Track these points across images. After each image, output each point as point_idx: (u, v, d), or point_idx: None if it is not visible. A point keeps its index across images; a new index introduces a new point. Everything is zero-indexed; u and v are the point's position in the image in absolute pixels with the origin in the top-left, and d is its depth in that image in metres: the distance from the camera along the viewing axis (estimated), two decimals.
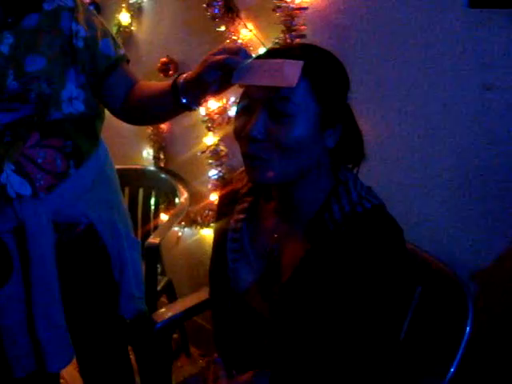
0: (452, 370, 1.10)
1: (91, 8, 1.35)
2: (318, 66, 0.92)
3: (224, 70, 0.99)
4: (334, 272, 0.94)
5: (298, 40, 1.59)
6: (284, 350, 1.00)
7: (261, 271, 1.06)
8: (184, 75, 1.14)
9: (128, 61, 1.37)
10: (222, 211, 1.16)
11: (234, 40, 1.72)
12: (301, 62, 0.89)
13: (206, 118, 1.96)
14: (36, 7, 1.21)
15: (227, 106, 1.91)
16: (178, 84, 1.15)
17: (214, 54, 1.01)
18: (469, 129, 1.37)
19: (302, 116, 0.91)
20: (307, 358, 0.97)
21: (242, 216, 1.09)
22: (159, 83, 1.31)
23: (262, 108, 0.92)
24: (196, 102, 1.16)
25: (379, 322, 0.93)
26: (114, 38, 1.34)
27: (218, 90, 1.07)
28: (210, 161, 2.02)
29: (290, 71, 0.89)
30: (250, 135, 0.92)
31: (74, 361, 1.53)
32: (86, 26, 1.25)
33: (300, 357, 0.98)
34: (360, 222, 0.95)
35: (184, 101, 1.15)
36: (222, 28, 1.76)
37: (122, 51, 1.34)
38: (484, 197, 1.38)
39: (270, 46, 1.67)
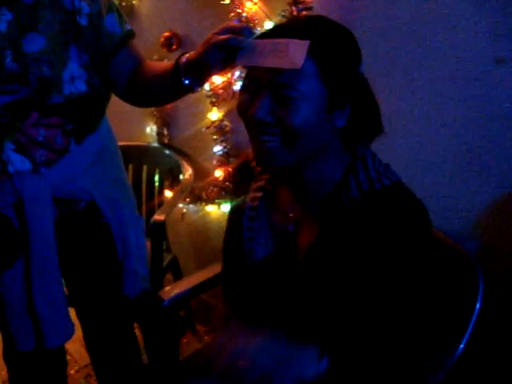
0: (461, 346, 1.09)
1: None
2: (326, 44, 0.88)
3: (227, 50, 0.96)
4: (352, 249, 0.92)
5: (304, 12, 1.55)
6: (297, 326, 0.99)
7: (276, 249, 1.05)
8: (186, 55, 1.10)
9: (134, 36, 1.31)
10: (238, 188, 1.16)
11: (239, 13, 1.69)
12: (306, 42, 0.85)
13: (211, 93, 1.93)
14: None
15: (232, 80, 1.87)
16: (180, 65, 1.11)
17: (217, 34, 0.98)
18: (479, 101, 1.35)
19: (308, 97, 0.87)
20: (323, 335, 0.96)
21: (258, 194, 1.08)
22: (162, 63, 1.28)
23: (267, 89, 0.89)
24: (199, 82, 1.13)
25: (399, 300, 0.91)
26: (119, 12, 1.27)
27: (222, 70, 1.04)
28: (215, 136, 2.00)
29: (296, 51, 0.85)
30: (256, 118, 0.89)
31: (81, 337, 1.54)
32: (89, 1, 1.19)
33: (315, 334, 0.97)
34: (379, 200, 0.92)
35: (186, 82, 1.12)
36: (227, 1, 1.72)
37: (128, 26, 1.28)
38: (494, 173, 1.37)
39: (275, 19, 1.64)
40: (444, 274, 1.19)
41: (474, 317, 1.12)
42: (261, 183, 1.09)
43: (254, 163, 1.10)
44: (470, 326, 1.11)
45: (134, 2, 2.17)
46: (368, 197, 0.93)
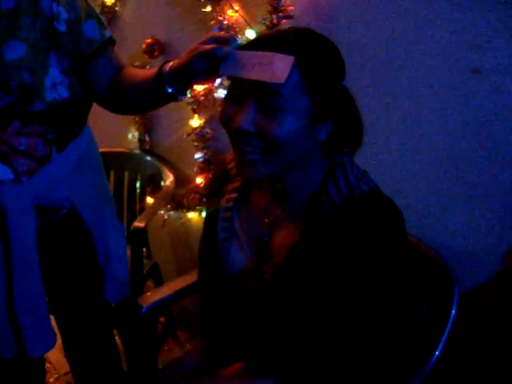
0: (437, 352, 1.11)
1: None
2: (311, 58, 0.89)
3: (212, 59, 0.96)
4: (331, 255, 0.93)
5: (284, 21, 1.57)
6: (274, 334, 1.00)
7: (252, 253, 1.05)
8: (170, 63, 1.09)
9: (114, 43, 1.30)
10: (214, 191, 1.15)
11: (220, 21, 1.69)
12: (291, 58, 0.86)
13: (192, 100, 1.93)
14: None
15: (213, 88, 1.88)
16: (164, 73, 1.10)
17: (203, 43, 0.97)
18: (456, 111, 1.37)
19: (292, 110, 0.88)
20: (300, 339, 0.96)
21: (233, 195, 1.09)
22: (144, 71, 1.26)
23: (252, 100, 0.90)
24: (182, 91, 1.12)
25: (373, 303, 0.92)
26: (99, 19, 1.26)
27: (205, 79, 1.03)
28: (196, 143, 2.00)
29: (280, 66, 0.85)
30: (239, 128, 0.90)
31: (61, 345, 1.53)
32: (67, 7, 1.18)
33: (293, 339, 0.97)
34: (359, 204, 0.93)
35: (170, 90, 1.11)
36: (208, 8, 1.73)
37: (107, 33, 1.27)
38: (470, 180, 1.39)
39: (256, 26, 1.65)
40: (419, 280, 1.21)
41: (450, 323, 1.13)
42: (236, 184, 1.09)
43: (230, 165, 1.11)
44: (446, 333, 1.13)
45: (116, 8, 2.17)
46: (347, 202, 0.94)
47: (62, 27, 1.18)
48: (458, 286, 1.16)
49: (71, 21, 1.19)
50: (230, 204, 1.08)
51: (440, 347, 1.11)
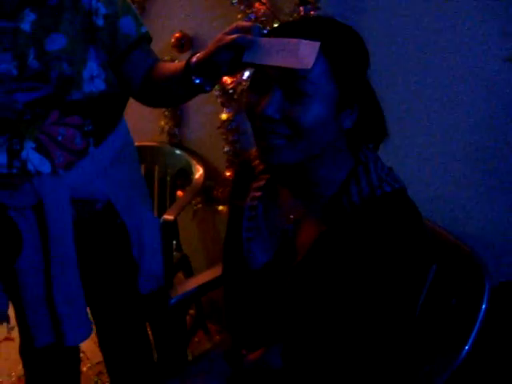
0: (467, 347, 1.09)
1: None
2: (337, 44, 0.88)
3: (236, 49, 0.95)
4: (349, 254, 0.92)
5: (312, 12, 1.56)
6: (297, 327, 1.00)
7: (275, 251, 1.05)
8: (197, 55, 1.10)
9: (150, 39, 1.32)
10: (238, 188, 1.14)
11: (247, 13, 1.69)
12: (317, 43, 0.85)
13: (220, 93, 1.93)
14: None
15: (242, 80, 1.88)
16: (191, 64, 1.11)
17: (227, 33, 0.97)
18: (487, 101, 1.34)
19: (319, 96, 0.87)
20: (321, 335, 0.97)
21: (258, 194, 1.08)
22: (174, 64, 1.27)
23: (277, 86, 0.89)
24: (210, 82, 1.12)
25: (392, 303, 0.92)
26: (136, 15, 1.29)
27: (232, 70, 1.03)
28: (225, 136, 2.01)
29: (306, 52, 0.84)
30: (264, 114, 0.88)
31: (94, 335, 1.56)
32: (106, 3, 1.22)
33: (313, 334, 0.98)
34: (378, 206, 0.92)
35: (197, 81, 1.11)
36: (235, 1, 1.72)
37: (143, 29, 1.29)
38: (502, 172, 1.36)
39: (284, 19, 1.64)
40: (448, 273, 1.19)
41: (480, 318, 1.11)
42: (261, 183, 1.08)
43: (255, 162, 1.10)
44: (476, 328, 1.11)
45: (144, 4, 2.19)
46: (368, 203, 0.93)
47: (100, 22, 1.22)
48: (489, 279, 1.13)
49: (109, 16, 1.23)
50: (255, 203, 1.07)
51: (469, 343, 1.09)
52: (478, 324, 1.10)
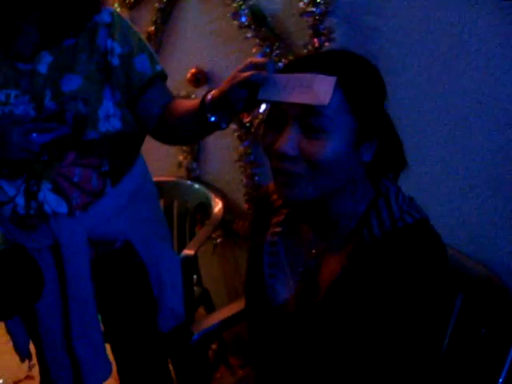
0: (500, 380, 1.05)
1: (128, 22, 1.30)
2: (353, 77, 0.87)
3: (251, 86, 0.94)
4: (372, 289, 0.90)
5: (327, 44, 1.57)
6: (320, 364, 0.97)
7: (298, 286, 1.02)
8: (212, 92, 1.09)
9: (165, 77, 1.33)
10: (258, 223, 1.12)
11: (262, 46, 1.71)
12: (333, 78, 0.84)
13: (237, 126, 1.95)
14: (79, 29, 1.22)
15: (258, 113, 1.90)
16: (206, 102, 1.10)
17: (241, 71, 0.97)
18: (506, 126, 1.32)
19: (337, 131, 0.86)
20: (345, 373, 0.94)
21: (278, 229, 1.05)
22: (190, 101, 1.26)
23: (294, 122, 0.87)
24: (225, 120, 1.11)
25: (418, 341, 0.89)
26: (151, 53, 1.30)
27: (248, 107, 1.02)
28: (244, 169, 2.01)
29: (322, 88, 0.83)
30: (281, 151, 0.87)
31: (115, 373, 1.55)
32: (121, 43, 1.24)
33: (337, 372, 0.95)
34: (400, 239, 0.90)
35: (212, 119, 1.10)
36: (249, 35, 1.75)
37: (159, 67, 1.30)
38: None
39: (298, 51, 1.66)
40: (475, 302, 1.16)
41: None
42: (280, 218, 1.06)
43: (274, 197, 1.09)
44: (509, 358, 1.07)
45: (161, 39, 2.23)
46: (389, 235, 0.90)
47: (116, 61, 1.24)
48: None
49: (124, 55, 1.24)
50: (275, 238, 1.05)
51: (504, 374, 1.05)
52: (509, 359, 1.07)
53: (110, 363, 1.40)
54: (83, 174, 1.25)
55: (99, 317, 1.39)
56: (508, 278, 1.16)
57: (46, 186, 1.23)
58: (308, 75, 0.86)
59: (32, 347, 1.44)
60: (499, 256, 1.39)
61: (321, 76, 0.85)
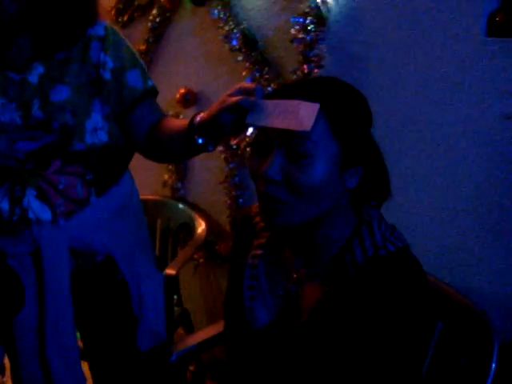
0: None
1: (121, 36, 1.31)
2: (337, 104, 0.89)
3: (239, 111, 0.95)
4: (353, 316, 0.90)
5: (316, 70, 1.59)
6: None
7: (278, 310, 1.02)
8: (200, 114, 1.10)
9: (156, 93, 1.33)
10: (239, 245, 1.12)
11: (252, 70, 1.73)
12: (316, 105, 0.85)
13: (224, 148, 1.96)
14: (73, 43, 1.22)
15: (245, 136, 1.91)
16: (194, 124, 1.11)
17: (230, 95, 0.98)
18: (489, 159, 1.35)
19: (321, 156, 0.87)
20: None
21: (259, 252, 1.05)
22: (179, 121, 1.28)
23: (279, 147, 0.88)
24: (212, 142, 1.12)
25: (397, 368, 0.89)
26: (143, 69, 1.30)
27: (235, 131, 1.03)
28: (228, 191, 2.02)
29: (306, 114, 0.85)
30: (265, 175, 0.88)
31: None
32: (113, 57, 1.24)
33: None
34: (382, 267, 0.91)
35: (200, 141, 1.11)
36: (240, 58, 1.77)
37: (150, 82, 1.31)
38: (505, 229, 1.35)
39: (288, 76, 1.68)
40: (455, 331, 1.17)
41: (491, 377, 1.08)
42: (262, 240, 1.06)
43: (256, 219, 1.09)
44: None
45: (153, 56, 2.24)
46: (372, 263, 0.91)
47: (108, 75, 1.24)
48: (498, 336, 1.11)
49: (116, 69, 1.25)
50: (256, 261, 1.05)
51: None
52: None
53: (84, 377, 1.37)
54: (68, 181, 1.24)
55: (78, 334, 1.37)
56: (488, 306, 1.17)
57: (30, 193, 1.22)
58: (294, 102, 0.87)
59: (7, 361, 1.41)
60: (479, 285, 1.40)
61: (305, 103, 0.86)
